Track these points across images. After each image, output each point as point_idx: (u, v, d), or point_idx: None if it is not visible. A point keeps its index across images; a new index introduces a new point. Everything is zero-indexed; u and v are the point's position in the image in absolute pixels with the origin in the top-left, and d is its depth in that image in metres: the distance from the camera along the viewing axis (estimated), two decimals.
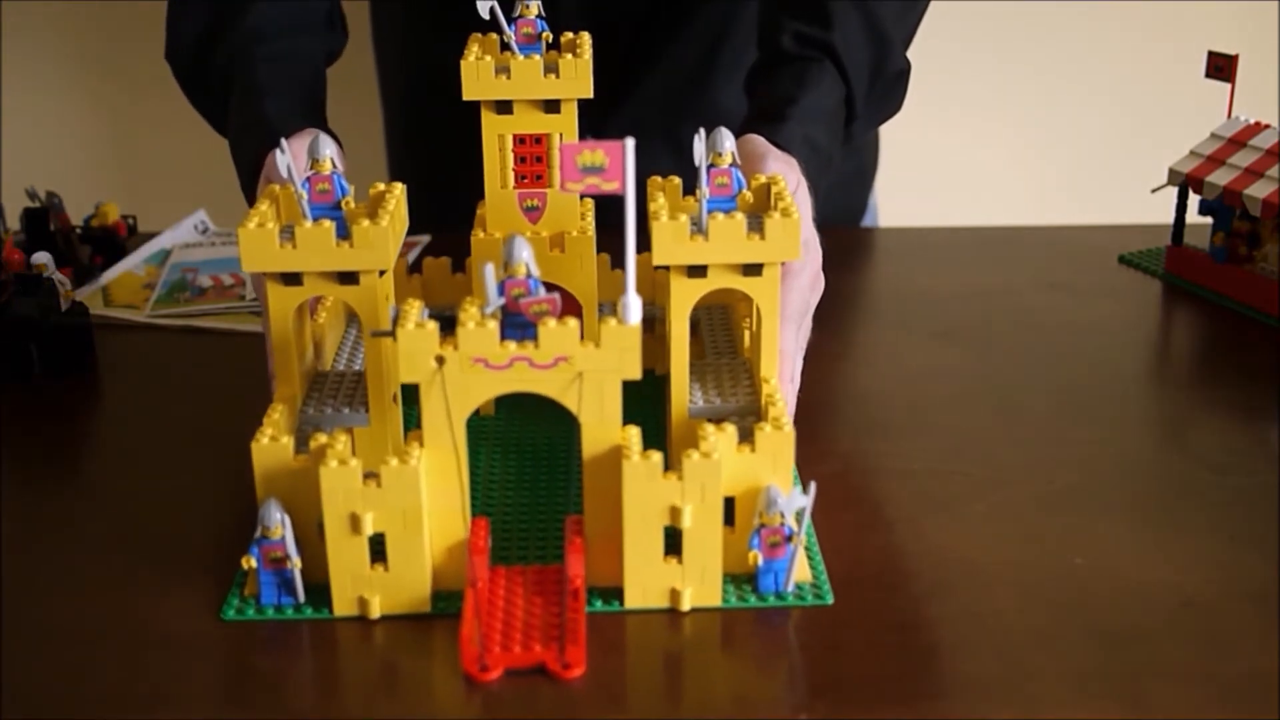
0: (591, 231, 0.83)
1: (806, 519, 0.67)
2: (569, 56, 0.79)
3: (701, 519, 0.66)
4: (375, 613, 0.67)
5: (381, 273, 0.71)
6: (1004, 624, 0.67)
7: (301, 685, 0.64)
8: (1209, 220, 1.11)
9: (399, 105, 1.33)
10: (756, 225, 0.70)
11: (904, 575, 0.72)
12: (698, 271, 0.71)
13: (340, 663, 0.66)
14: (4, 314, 0.95)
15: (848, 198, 1.32)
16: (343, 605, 0.67)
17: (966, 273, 1.16)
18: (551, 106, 0.81)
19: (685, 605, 0.67)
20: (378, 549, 0.66)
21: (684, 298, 0.72)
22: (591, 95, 0.80)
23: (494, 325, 0.64)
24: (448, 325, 0.64)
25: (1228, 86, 1.11)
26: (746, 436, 0.68)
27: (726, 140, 0.73)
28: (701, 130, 0.70)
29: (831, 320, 0.92)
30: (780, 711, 0.61)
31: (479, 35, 0.84)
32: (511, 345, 0.64)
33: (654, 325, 0.88)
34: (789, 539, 0.67)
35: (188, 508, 0.78)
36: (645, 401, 0.74)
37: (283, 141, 0.69)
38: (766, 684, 0.63)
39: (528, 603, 0.67)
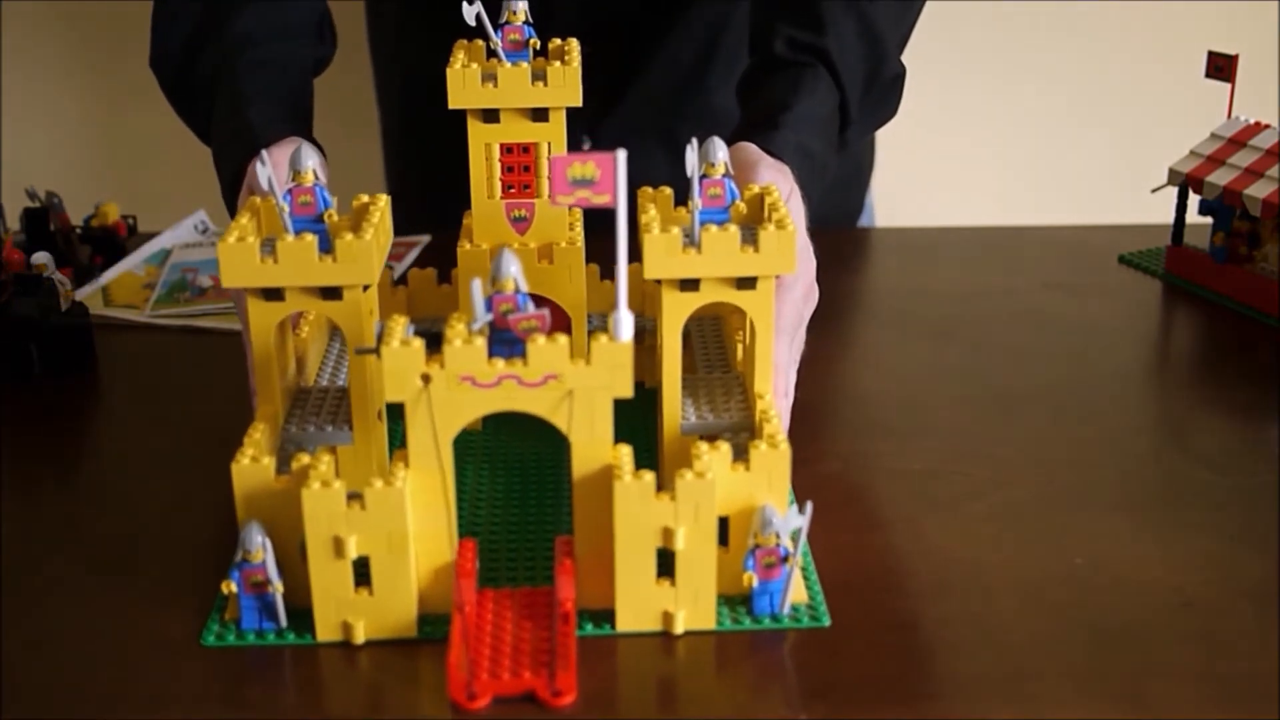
0: (580, 242, 0.81)
1: (803, 539, 0.66)
2: (557, 64, 0.77)
3: (695, 540, 0.64)
4: (360, 638, 0.65)
5: (365, 287, 0.69)
6: (1004, 624, 0.67)
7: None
8: (1209, 220, 1.10)
9: (396, 110, 1.31)
10: (750, 238, 0.68)
11: (904, 575, 0.71)
12: (690, 285, 0.69)
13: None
14: (4, 314, 0.95)
15: (845, 198, 1.31)
16: (326, 630, 0.65)
17: (966, 273, 1.15)
18: (540, 115, 0.79)
19: (679, 628, 0.66)
20: (362, 572, 0.65)
21: (676, 312, 0.70)
22: (580, 104, 0.78)
23: (481, 342, 0.62)
24: (434, 341, 0.62)
25: (1228, 86, 1.10)
26: (741, 454, 0.66)
27: (719, 150, 0.71)
28: (694, 140, 0.68)
29: (830, 321, 0.92)
30: None
31: (465, 42, 0.82)
32: (500, 363, 0.62)
33: (644, 337, 0.86)
34: (784, 560, 0.66)
35: (187, 508, 0.78)
36: (636, 415, 0.72)
37: (263, 152, 0.67)
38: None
39: (517, 627, 0.65)
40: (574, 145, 1.20)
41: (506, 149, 0.80)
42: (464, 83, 0.77)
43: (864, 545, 0.74)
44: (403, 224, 1.36)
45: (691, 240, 0.69)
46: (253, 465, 0.65)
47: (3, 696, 0.62)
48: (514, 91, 0.78)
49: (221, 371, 0.96)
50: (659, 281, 0.70)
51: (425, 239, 1.19)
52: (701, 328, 0.85)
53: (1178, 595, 0.69)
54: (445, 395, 0.63)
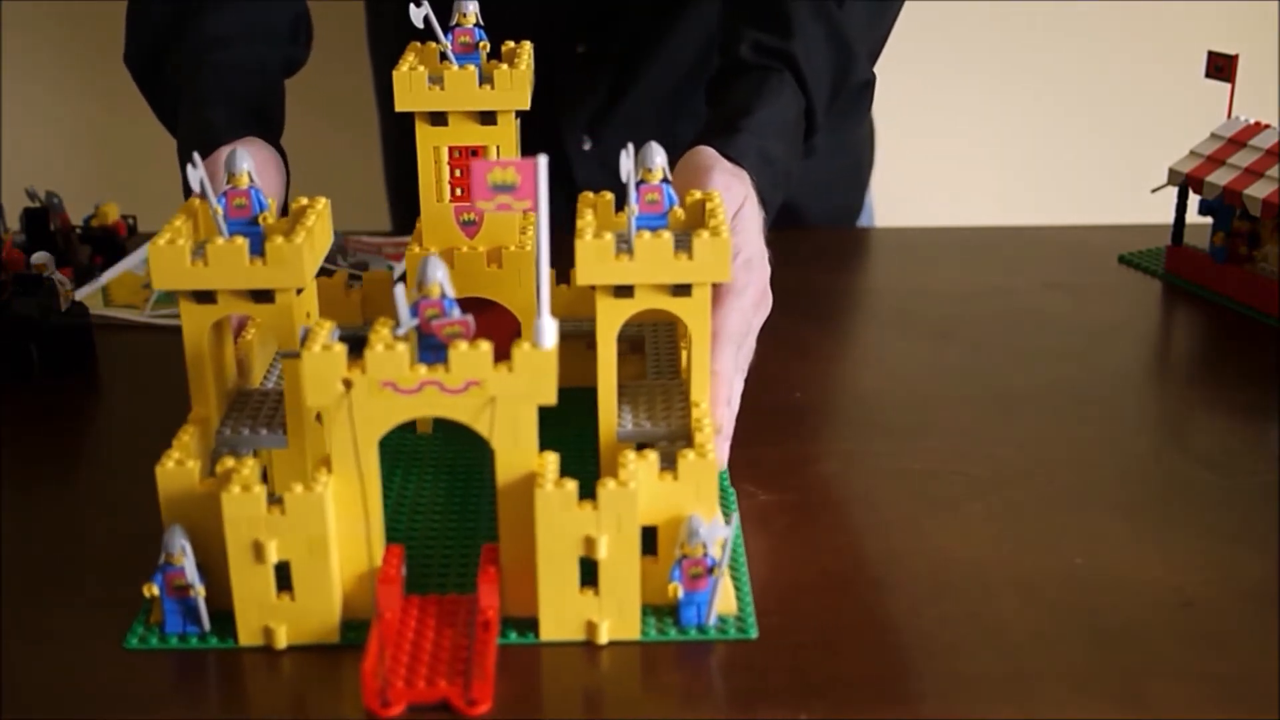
0: (531, 246, 0.81)
1: (729, 550, 0.65)
2: (504, 67, 0.77)
3: (618, 549, 0.63)
4: (281, 643, 0.65)
5: (299, 291, 0.69)
6: (1003, 624, 0.67)
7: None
8: (1209, 220, 1.10)
9: (393, 109, 1.31)
10: (684, 244, 0.67)
11: (903, 575, 0.71)
12: (624, 291, 0.69)
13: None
14: (4, 314, 0.95)
15: (844, 198, 1.30)
16: (248, 635, 0.65)
17: (966, 273, 1.14)
18: (488, 118, 0.78)
19: (603, 638, 0.65)
20: (285, 577, 0.64)
21: (611, 318, 0.69)
22: (529, 107, 0.78)
23: (404, 348, 0.61)
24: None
25: (1228, 86, 1.10)
26: (670, 463, 0.66)
27: (657, 155, 0.70)
28: (630, 145, 0.68)
29: (830, 321, 0.91)
30: None
31: (418, 44, 0.82)
32: (422, 369, 0.62)
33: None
34: (711, 570, 0.65)
35: None
36: (590, 420, 0.71)
37: (195, 156, 0.67)
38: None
39: (438, 635, 0.64)
40: (574, 145, 1.20)
41: (455, 152, 0.80)
42: (410, 85, 0.77)
43: (863, 544, 0.73)
44: (403, 224, 1.36)
45: (627, 246, 0.68)
46: (177, 468, 0.65)
47: (3, 696, 0.62)
48: (461, 94, 0.77)
49: None
50: (594, 288, 0.69)
51: None
52: (656, 334, 0.84)
53: (1177, 595, 0.69)
54: (366, 401, 0.62)
